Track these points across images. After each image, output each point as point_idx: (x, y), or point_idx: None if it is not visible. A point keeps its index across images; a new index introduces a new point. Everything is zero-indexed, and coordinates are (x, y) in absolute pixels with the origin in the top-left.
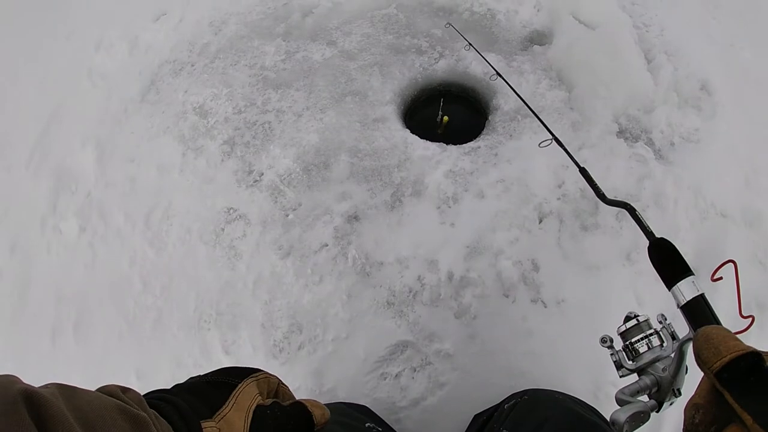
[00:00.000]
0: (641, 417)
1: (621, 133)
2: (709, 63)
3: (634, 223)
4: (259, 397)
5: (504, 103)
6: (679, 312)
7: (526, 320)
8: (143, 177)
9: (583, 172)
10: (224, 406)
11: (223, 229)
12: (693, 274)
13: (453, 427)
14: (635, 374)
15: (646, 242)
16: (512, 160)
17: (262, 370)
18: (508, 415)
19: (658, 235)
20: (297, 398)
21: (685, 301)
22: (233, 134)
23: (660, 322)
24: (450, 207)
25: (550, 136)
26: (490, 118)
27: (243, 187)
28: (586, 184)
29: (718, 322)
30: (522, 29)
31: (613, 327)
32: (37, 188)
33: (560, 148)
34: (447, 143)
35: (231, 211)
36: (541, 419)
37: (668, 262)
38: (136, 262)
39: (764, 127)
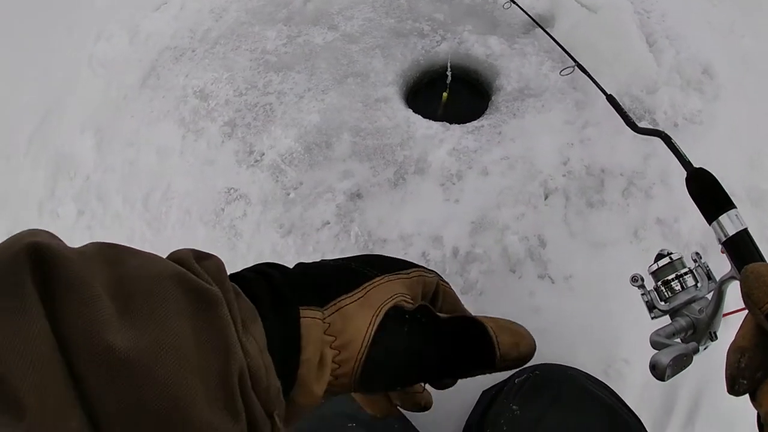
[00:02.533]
0: (684, 360)
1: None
2: (710, 48)
3: (643, 197)
4: (403, 298)
5: (507, 83)
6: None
7: (534, 296)
8: (143, 160)
9: (611, 99)
10: (345, 295)
11: (223, 210)
12: (735, 207)
13: (461, 403)
14: (668, 316)
15: (653, 218)
16: (516, 139)
17: (418, 266)
18: (518, 391)
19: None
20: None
21: (728, 236)
22: (234, 116)
23: (695, 261)
24: (454, 184)
25: (573, 64)
26: (493, 98)
27: (244, 167)
28: (592, 160)
29: (763, 260)
30: (523, 13)
31: (623, 303)
32: (36, 175)
33: (586, 76)
34: (450, 123)
35: (231, 191)
36: (552, 396)
37: (709, 194)
38: (134, 243)
39: (767, 112)
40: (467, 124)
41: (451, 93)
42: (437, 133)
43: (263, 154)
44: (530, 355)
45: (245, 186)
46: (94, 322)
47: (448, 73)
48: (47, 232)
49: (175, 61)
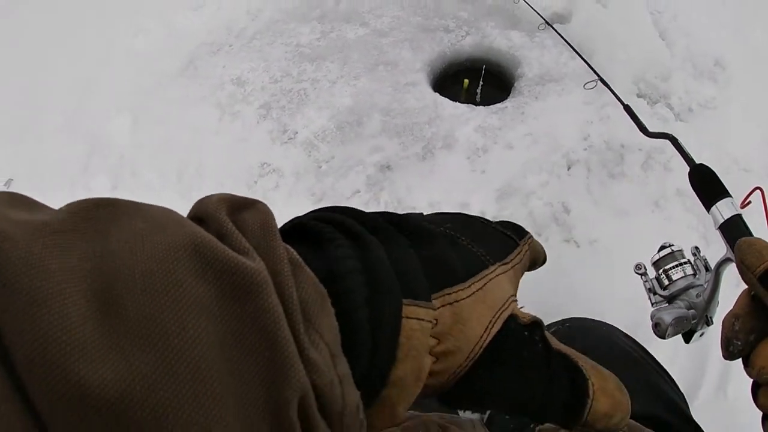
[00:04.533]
0: (684, 323)
1: (641, 97)
2: (721, 43)
3: (662, 170)
4: (515, 301)
5: (528, 70)
6: (710, 248)
7: (560, 258)
8: (178, 139)
9: (627, 108)
10: (462, 285)
11: (255, 182)
12: (731, 196)
13: None
14: (667, 303)
15: (673, 190)
16: (539, 118)
17: (524, 231)
18: None
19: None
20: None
21: (724, 220)
22: (269, 100)
23: (694, 254)
24: (480, 157)
25: (596, 77)
26: (515, 84)
27: (278, 144)
28: (612, 135)
29: None
30: (542, 12)
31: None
32: (69, 152)
33: (605, 88)
34: (476, 105)
35: (265, 165)
36: (580, 348)
37: (707, 185)
38: None
39: None
40: (492, 106)
41: (475, 81)
42: (463, 113)
43: (297, 133)
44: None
45: (278, 161)
46: (56, 341)
47: (483, 70)
48: (9, 194)
49: (212, 54)
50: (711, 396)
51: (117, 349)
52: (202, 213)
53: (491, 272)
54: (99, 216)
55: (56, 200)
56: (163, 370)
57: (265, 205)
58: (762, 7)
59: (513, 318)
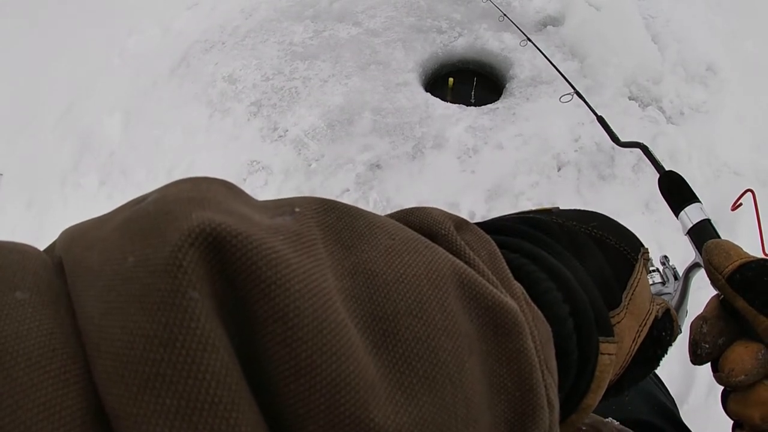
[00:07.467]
0: None
1: (632, 99)
2: (713, 50)
3: (652, 172)
4: (653, 300)
5: (520, 72)
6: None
7: None
8: (169, 138)
9: (601, 120)
10: (623, 302)
11: (244, 180)
12: (700, 202)
13: None
14: None
15: None
16: (530, 119)
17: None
18: None
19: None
20: None
21: (692, 225)
22: (260, 97)
23: (663, 263)
24: (470, 157)
25: (571, 90)
26: (507, 85)
27: (267, 142)
28: (603, 137)
29: None
30: (536, 14)
31: None
32: (61, 150)
33: (581, 101)
34: (467, 105)
35: (254, 163)
36: None
37: (676, 191)
38: None
39: None
40: (483, 106)
41: (466, 82)
42: (454, 113)
43: (287, 131)
44: None
45: (268, 158)
46: (346, 381)
47: (474, 82)
48: (222, 183)
49: (205, 52)
50: (701, 400)
51: (402, 388)
52: (427, 228)
53: (637, 273)
54: (330, 223)
55: (46, 197)
56: (447, 413)
57: (477, 228)
58: (754, 15)
59: (656, 323)
